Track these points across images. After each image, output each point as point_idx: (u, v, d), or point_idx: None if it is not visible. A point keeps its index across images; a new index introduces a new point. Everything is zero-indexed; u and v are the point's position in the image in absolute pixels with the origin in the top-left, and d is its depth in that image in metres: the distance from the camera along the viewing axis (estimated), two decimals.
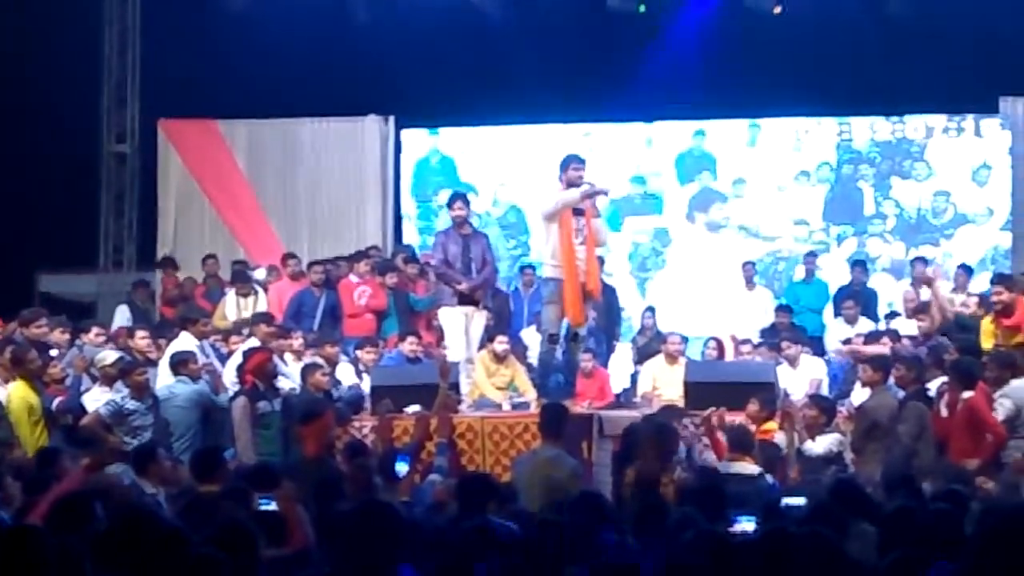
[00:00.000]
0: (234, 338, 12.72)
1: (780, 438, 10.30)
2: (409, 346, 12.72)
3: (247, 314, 13.79)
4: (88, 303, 16.94)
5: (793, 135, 17.63)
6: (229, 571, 4.85)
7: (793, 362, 12.93)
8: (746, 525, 6.11)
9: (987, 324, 11.03)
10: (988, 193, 17.21)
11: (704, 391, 11.31)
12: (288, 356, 12.26)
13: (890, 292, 16.11)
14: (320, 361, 11.99)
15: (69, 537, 4.76)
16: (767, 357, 13.09)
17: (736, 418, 10.50)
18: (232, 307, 14.20)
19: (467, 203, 12.47)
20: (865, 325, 14.10)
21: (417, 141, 18.32)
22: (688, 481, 8.65)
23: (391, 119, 18.13)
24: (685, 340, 13.41)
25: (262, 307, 14.02)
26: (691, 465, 9.67)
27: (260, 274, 15.34)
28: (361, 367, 12.55)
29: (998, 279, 11.47)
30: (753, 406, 10.54)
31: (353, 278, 14.40)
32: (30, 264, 17.22)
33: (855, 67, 16.58)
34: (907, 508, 6.36)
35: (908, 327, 12.97)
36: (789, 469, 9.96)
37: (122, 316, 14.92)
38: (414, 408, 11.13)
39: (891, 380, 10.69)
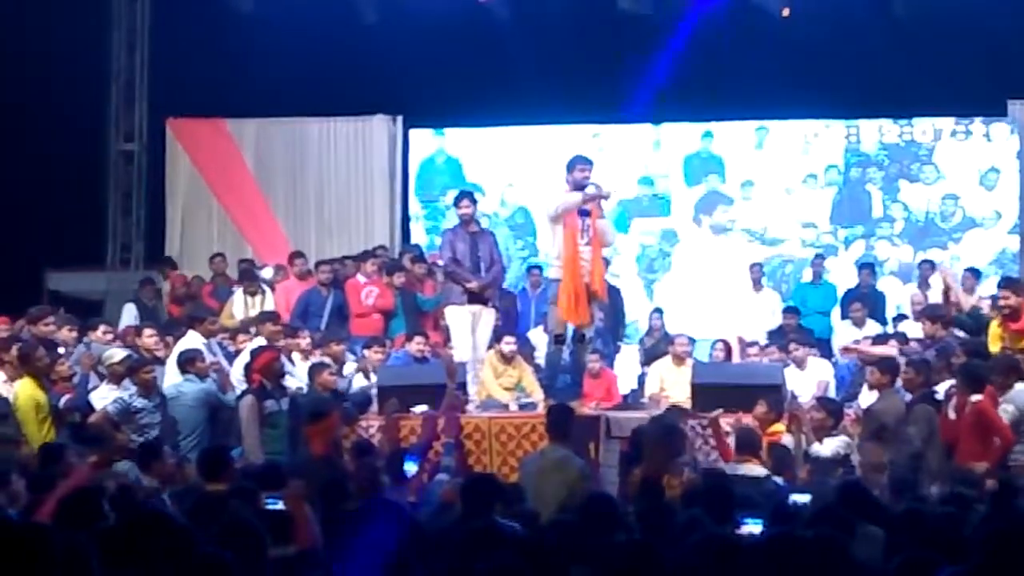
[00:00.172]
0: (241, 337, 12.73)
1: (787, 440, 10.29)
2: (416, 346, 12.71)
3: (254, 313, 13.80)
4: (96, 301, 16.94)
5: (801, 138, 17.62)
6: (236, 570, 4.85)
7: (801, 364, 12.92)
8: (753, 527, 6.11)
9: (994, 328, 11.01)
10: (996, 197, 17.20)
11: (711, 393, 11.31)
12: (295, 355, 12.26)
13: (898, 295, 16.09)
14: (327, 360, 11.99)
15: (77, 535, 4.76)
16: (775, 359, 13.09)
17: (741, 419, 10.52)
18: (240, 306, 14.20)
19: (474, 201, 12.47)
20: (873, 328, 14.11)
21: (422, 142, 18.32)
22: (695, 483, 8.65)
23: (399, 119, 18.14)
24: (692, 342, 13.40)
25: (269, 306, 14.01)
26: (696, 467, 9.68)
27: (267, 273, 15.35)
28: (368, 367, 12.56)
29: (1005, 283, 11.44)
30: (761, 408, 10.53)
31: (360, 278, 14.40)
32: (38, 262, 17.22)
33: (863, 70, 16.56)
34: (914, 511, 6.36)
35: (916, 330, 12.95)
36: (797, 471, 9.95)
37: (129, 314, 14.93)
38: (421, 408, 11.14)
39: (899, 383, 10.68)
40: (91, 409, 10.71)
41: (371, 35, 16.91)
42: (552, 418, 9.27)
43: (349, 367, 12.45)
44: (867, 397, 11.30)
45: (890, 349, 11.89)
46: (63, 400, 10.73)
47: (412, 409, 11.19)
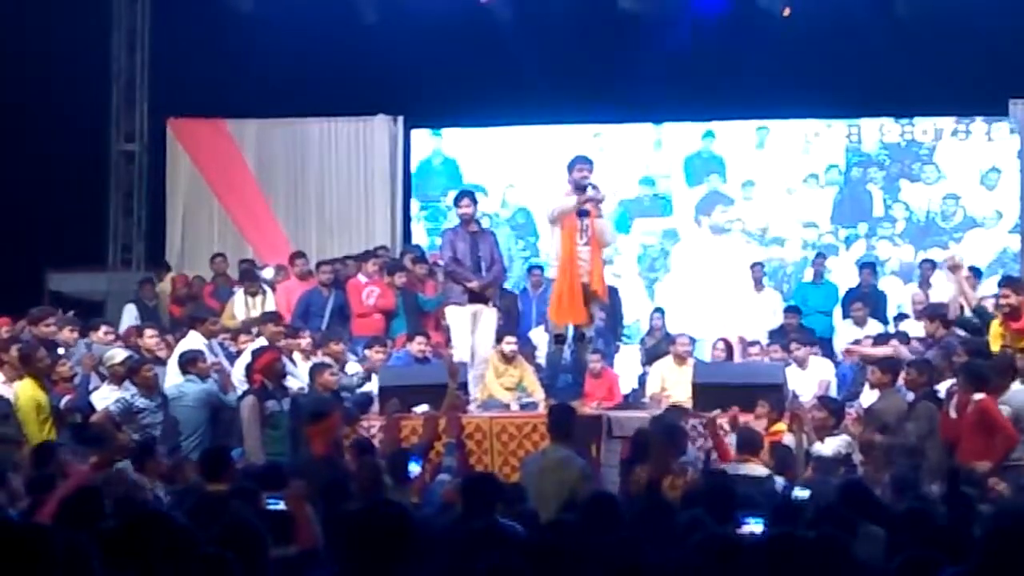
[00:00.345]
0: (243, 337, 12.72)
1: (789, 440, 10.29)
2: (417, 346, 12.70)
3: (255, 313, 13.80)
4: (97, 302, 16.94)
5: (802, 137, 17.62)
6: (237, 570, 4.85)
7: (802, 364, 12.92)
8: (754, 527, 6.11)
9: (995, 327, 11.00)
10: (997, 196, 17.20)
11: (712, 392, 11.31)
12: (296, 356, 12.26)
13: (899, 294, 16.09)
14: (329, 361, 11.99)
15: (78, 535, 4.76)
16: (776, 359, 13.08)
17: (741, 418, 10.53)
18: (240, 306, 14.20)
19: (474, 201, 12.45)
20: (874, 327, 14.10)
21: (420, 142, 18.31)
22: (696, 482, 8.65)
23: (400, 119, 18.13)
24: (693, 341, 13.40)
25: (270, 306, 14.01)
26: (706, 461, 9.68)
27: (268, 273, 15.35)
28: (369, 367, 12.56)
29: (1006, 282, 11.42)
30: (762, 408, 10.53)
31: (361, 278, 14.40)
32: (39, 263, 17.23)
33: (864, 69, 16.56)
34: (916, 510, 6.36)
35: (917, 329, 12.95)
36: (798, 471, 9.94)
37: (129, 315, 14.94)
38: (422, 408, 11.13)
39: (900, 382, 10.68)
40: (92, 410, 10.71)
41: (372, 35, 16.90)
42: (553, 418, 9.26)
43: (351, 367, 12.44)
44: (868, 396, 11.30)
45: (891, 350, 11.87)
46: (64, 401, 10.73)
47: (413, 409, 11.19)
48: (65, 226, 17.25)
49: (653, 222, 17.82)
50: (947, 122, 17.28)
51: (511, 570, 5.05)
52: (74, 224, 17.48)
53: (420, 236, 17.97)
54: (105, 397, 10.85)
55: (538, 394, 11.91)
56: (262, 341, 12.01)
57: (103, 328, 12.37)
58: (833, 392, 12.52)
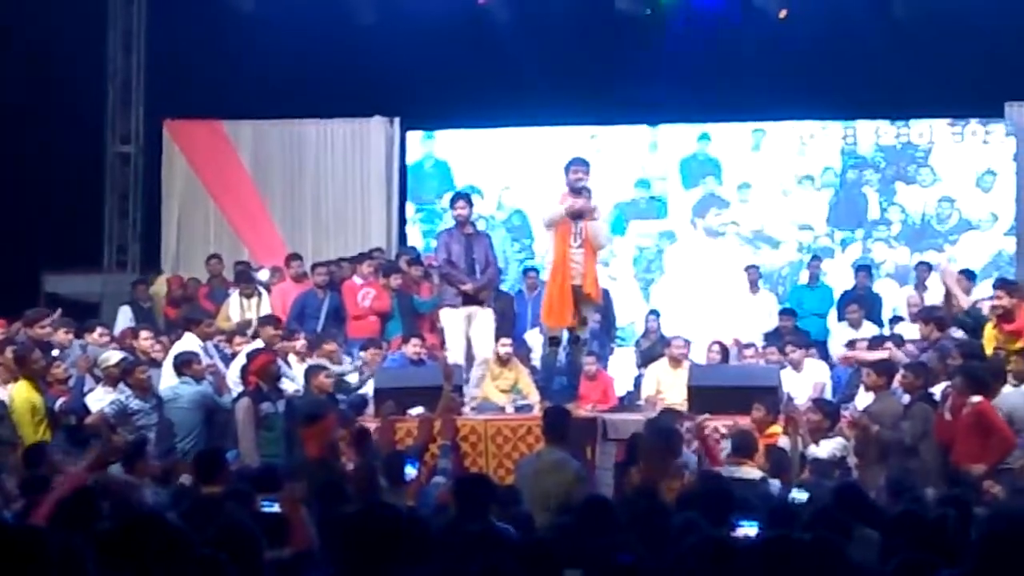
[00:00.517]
0: (238, 339, 12.74)
1: (784, 442, 10.28)
2: (412, 348, 12.71)
3: (251, 315, 13.81)
4: (93, 303, 16.93)
5: (797, 139, 17.61)
6: (232, 573, 4.85)
7: (797, 366, 12.93)
8: (749, 530, 6.10)
9: (989, 329, 11.02)
10: (993, 199, 17.19)
11: (708, 395, 11.29)
12: (291, 358, 12.26)
13: (894, 297, 16.08)
14: (324, 363, 11.99)
15: (73, 536, 4.75)
16: (771, 361, 13.09)
17: (731, 421, 10.54)
18: (236, 308, 14.19)
19: (470, 203, 12.43)
20: (869, 330, 14.10)
21: (412, 145, 18.28)
22: (691, 485, 8.64)
23: (396, 121, 18.12)
24: (689, 344, 13.39)
25: (266, 308, 14.01)
26: (700, 462, 9.68)
27: (263, 275, 15.33)
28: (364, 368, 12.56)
29: (1000, 284, 11.44)
30: (758, 412, 10.53)
31: (357, 280, 14.40)
32: (35, 264, 17.21)
33: (860, 72, 16.55)
34: (910, 513, 6.36)
35: (912, 331, 12.95)
36: (794, 473, 9.94)
37: (124, 317, 14.92)
38: (417, 410, 11.13)
39: (895, 384, 10.69)
40: (87, 411, 10.72)
41: (368, 37, 16.88)
42: (548, 420, 9.26)
43: (351, 377, 12.46)
44: (863, 399, 11.30)
45: (887, 354, 11.87)
46: (59, 403, 10.72)
47: (408, 411, 11.18)
48: (61, 228, 17.25)
49: (649, 224, 17.80)
50: (943, 124, 17.27)
51: (505, 573, 5.05)
52: (70, 226, 17.47)
53: (416, 238, 17.95)
54: (100, 399, 10.85)
55: (533, 396, 11.92)
56: (257, 343, 12.01)
57: (98, 330, 12.38)
58: (828, 395, 12.53)
